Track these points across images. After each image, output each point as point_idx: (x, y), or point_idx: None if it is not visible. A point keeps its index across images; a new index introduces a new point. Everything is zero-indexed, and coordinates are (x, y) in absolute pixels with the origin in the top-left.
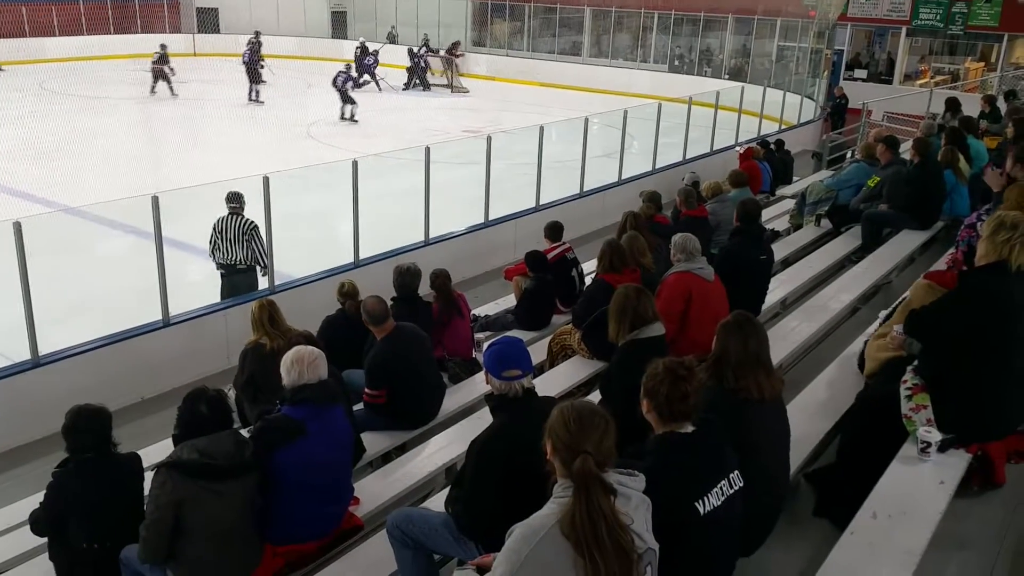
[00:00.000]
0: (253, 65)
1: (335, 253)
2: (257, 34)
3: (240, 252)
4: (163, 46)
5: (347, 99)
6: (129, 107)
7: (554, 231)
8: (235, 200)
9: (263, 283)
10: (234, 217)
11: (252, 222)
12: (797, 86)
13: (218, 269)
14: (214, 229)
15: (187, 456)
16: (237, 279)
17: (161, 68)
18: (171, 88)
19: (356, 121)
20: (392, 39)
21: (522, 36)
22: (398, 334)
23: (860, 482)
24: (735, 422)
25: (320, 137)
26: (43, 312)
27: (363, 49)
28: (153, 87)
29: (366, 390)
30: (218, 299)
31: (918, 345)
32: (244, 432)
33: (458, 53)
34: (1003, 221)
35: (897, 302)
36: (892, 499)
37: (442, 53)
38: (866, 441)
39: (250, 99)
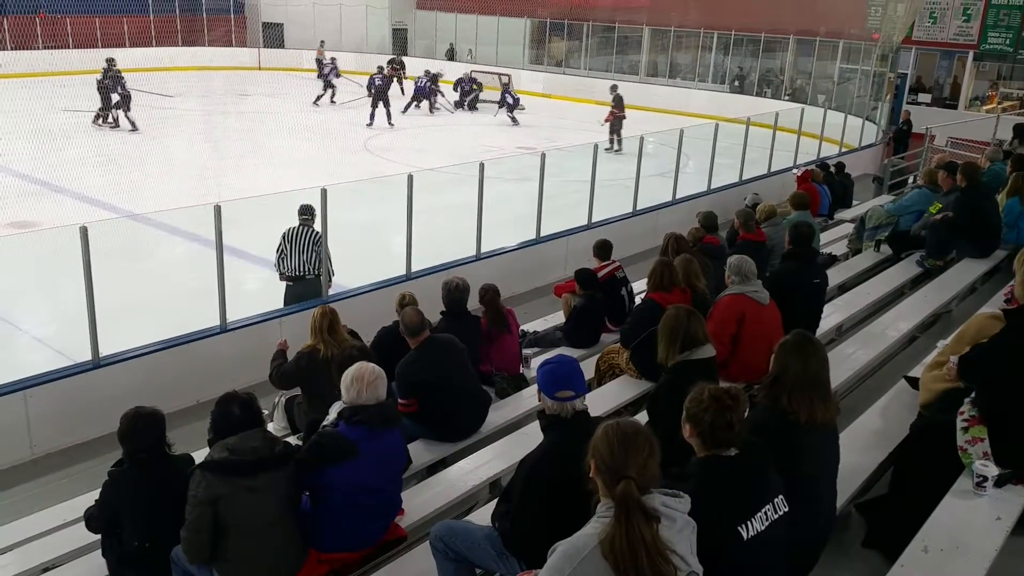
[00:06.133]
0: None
1: (388, 265)
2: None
3: (308, 262)
4: (110, 60)
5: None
6: (194, 118)
7: (603, 249)
8: (307, 212)
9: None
10: (305, 228)
11: (318, 233)
12: (859, 109)
13: (282, 279)
14: (283, 239)
15: (218, 455)
16: (304, 288)
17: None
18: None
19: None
20: (451, 56)
21: (579, 55)
22: (429, 344)
23: (912, 514)
24: (784, 445)
25: (376, 151)
26: (105, 315)
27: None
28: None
29: (399, 399)
30: (276, 307)
31: None
32: (295, 438)
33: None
34: None
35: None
36: (945, 533)
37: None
38: (920, 473)
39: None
